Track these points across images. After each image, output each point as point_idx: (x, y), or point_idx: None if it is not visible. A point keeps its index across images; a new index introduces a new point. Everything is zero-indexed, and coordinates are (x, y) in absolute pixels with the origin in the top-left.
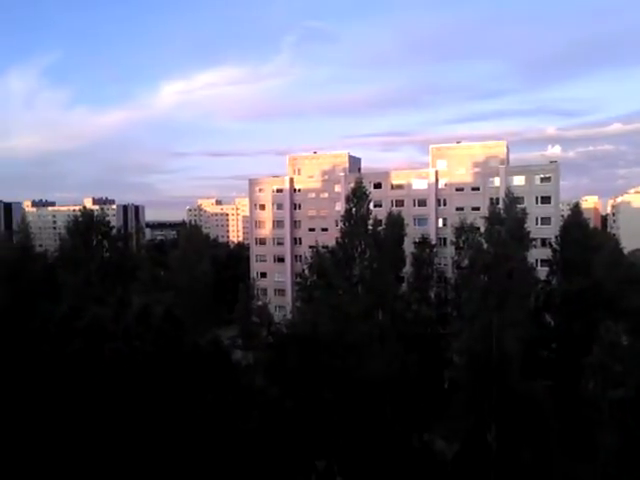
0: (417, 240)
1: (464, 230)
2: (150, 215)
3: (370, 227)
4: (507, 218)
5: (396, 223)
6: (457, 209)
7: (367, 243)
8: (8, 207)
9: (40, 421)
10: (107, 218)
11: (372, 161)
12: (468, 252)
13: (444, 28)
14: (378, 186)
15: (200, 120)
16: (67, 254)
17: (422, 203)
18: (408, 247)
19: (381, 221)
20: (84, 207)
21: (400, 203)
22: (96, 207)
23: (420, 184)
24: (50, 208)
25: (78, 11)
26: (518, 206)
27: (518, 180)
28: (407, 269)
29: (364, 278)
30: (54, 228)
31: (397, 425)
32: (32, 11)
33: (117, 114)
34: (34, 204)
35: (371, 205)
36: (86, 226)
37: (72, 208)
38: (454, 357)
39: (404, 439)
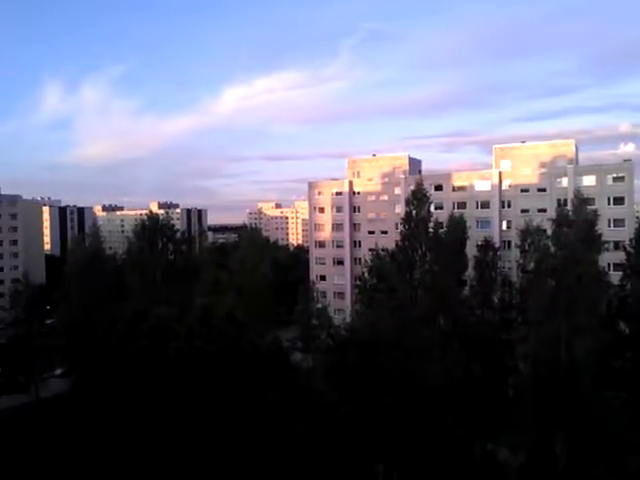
0: (480, 243)
1: (530, 233)
2: (212, 219)
3: (431, 230)
4: (576, 220)
5: (458, 226)
6: (522, 211)
7: (428, 246)
8: (81, 212)
9: (107, 413)
10: (172, 222)
11: (433, 163)
12: (534, 255)
13: (507, 25)
14: (439, 188)
15: (260, 124)
16: (134, 256)
17: (485, 205)
18: (470, 250)
19: (442, 224)
20: (150, 211)
21: (462, 205)
22: (161, 211)
23: (483, 185)
24: (119, 212)
25: (146, 22)
26: (588, 207)
27: (588, 180)
28: (469, 273)
29: (425, 282)
30: (122, 231)
31: (459, 433)
32: (104, 25)
33: (181, 121)
34: (104, 209)
35: (432, 207)
36: (152, 230)
37: (139, 212)
38: (519, 364)
39: (466, 447)
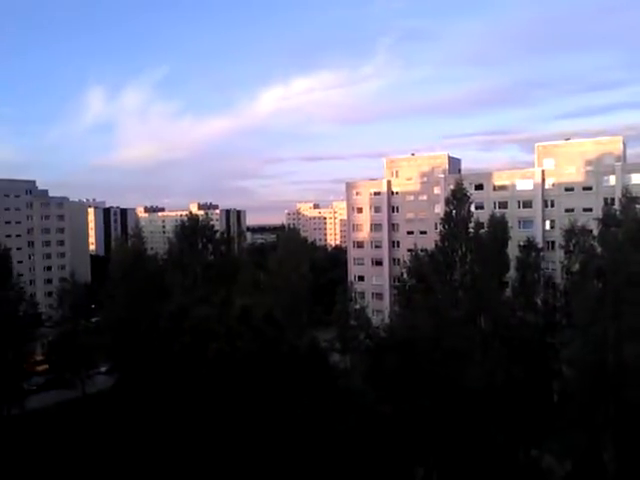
0: (522, 243)
1: (574, 233)
2: (251, 219)
3: (471, 230)
4: (624, 219)
5: (499, 226)
6: (566, 210)
7: (468, 246)
8: (124, 213)
9: (149, 410)
10: (211, 222)
11: (472, 161)
12: (579, 256)
13: (549, 19)
14: (479, 187)
15: (298, 125)
16: (175, 257)
17: (527, 204)
18: (512, 251)
19: (483, 224)
20: (190, 212)
21: (503, 205)
22: (201, 212)
23: (525, 184)
24: (160, 214)
25: (186, 26)
26: (637, 206)
27: (637, 178)
28: (511, 274)
29: (465, 283)
30: (163, 232)
31: (501, 437)
32: (145, 30)
33: (220, 122)
34: (146, 210)
35: (472, 207)
36: (192, 230)
37: (179, 213)
38: (564, 368)
39: (509, 452)
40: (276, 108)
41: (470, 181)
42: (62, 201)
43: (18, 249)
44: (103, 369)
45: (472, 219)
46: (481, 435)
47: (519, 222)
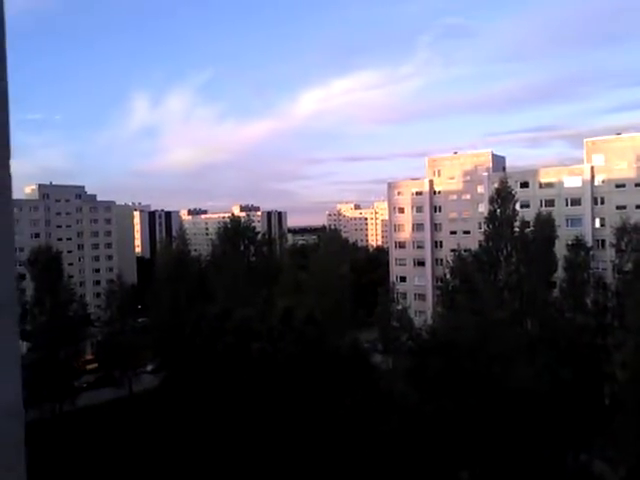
0: (570, 242)
1: (627, 231)
2: (292, 220)
3: (517, 229)
4: None
5: (546, 224)
6: (617, 208)
7: (513, 246)
8: (168, 216)
9: (194, 409)
10: (253, 224)
11: (517, 159)
12: (632, 255)
13: (591, 12)
14: (525, 185)
15: (338, 125)
16: (217, 258)
17: (576, 202)
18: (560, 250)
19: (529, 222)
20: (232, 215)
21: (550, 203)
22: (243, 214)
23: (573, 182)
24: (203, 216)
25: (225, 30)
26: None
27: None
28: (559, 274)
29: (510, 283)
30: (207, 234)
31: (549, 441)
32: (186, 35)
33: (261, 125)
34: (189, 213)
35: (517, 206)
36: (234, 232)
37: (222, 215)
38: (616, 371)
39: (557, 457)
40: (316, 109)
41: (515, 179)
42: (109, 205)
43: (69, 252)
44: (149, 368)
45: (517, 218)
46: (528, 438)
47: (567, 220)
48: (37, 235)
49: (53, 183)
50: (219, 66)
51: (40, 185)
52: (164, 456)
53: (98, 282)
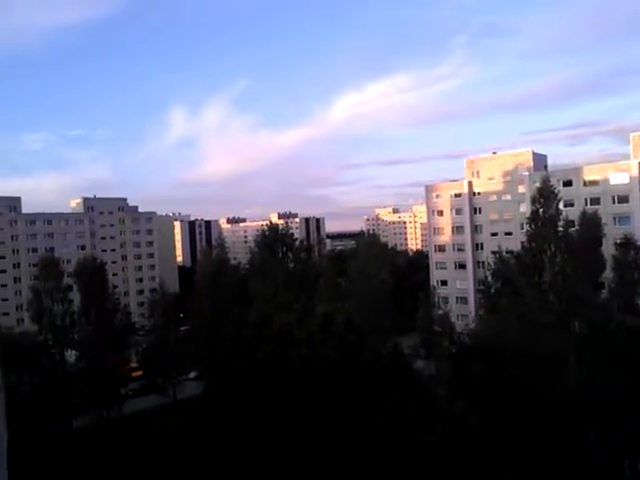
0: (619, 241)
1: None
2: (330, 226)
3: (560, 229)
4: None
5: (592, 223)
6: None
7: (558, 246)
8: (208, 225)
9: (235, 416)
10: (291, 231)
11: (559, 157)
12: None
13: (633, 3)
14: (568, 184)
15: (374, 130)
16: (256, 265)
17: (623, 199)
18: (608, 250)
19: (573, 222)
20: (270, 222)
21: (595, 201)
22: (281, 221)
23: (620, 178)
24: (242, 224)
25: (258, 40)
26: None
27: None
28: (607, 274)
29: (555, 285)
30: (245, 242)
31: (602, 450)
32: (221, 47)
33: (296, 132)
34: (228, 221)
35: (561, 205)
36: (272, 239)
37: (260, 223)
38: None
39: (612, 465)
40: (351, 115)
41: (557, 177)
42: (151, 216)
43: (113, 262)
44: (192, 375)
45: (561, 217)
46: (579, 446)
47: (614, 219)
48: (83, 247)
49: (97, 196)
50: (253, 76)
51: (85, 198)
52: (207, 462)
53: (141, 291)
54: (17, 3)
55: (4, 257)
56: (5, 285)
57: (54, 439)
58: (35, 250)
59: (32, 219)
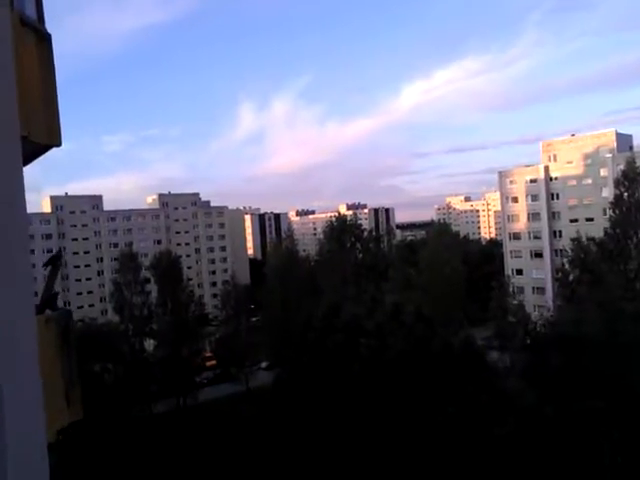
0: None
1: None
2: (400, 216)
3: None
4: None
5: None
6: None
7: None
8: (277, 218)
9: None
10: (359, 222)
11: None
12: None
13: None
14: None
15: (443, 117)
16: (325, 257)
17: None
18: None
19: None
20: (338, 213)
21: None
22: (350, 212)
23: None
24: (310, 216)
25: (323, 29)
26: None
27: None
28: None
29: None
30: (314, 234)
31: None
32: (286, 40)
33: (364, 122)
34: (297, 213)
35: None
36: (340, 230)
37: (329, 215)
38: None
39: None
40: (420, 102)
41: None
42: (222, 210)
43: (187, 256)
44: (264, 365)
45: None
46: None
47: None
48: (159, 242)
49: (171, 192)
50: (319, 67)
51: (160, 195)
52: (278, 448)
53: (214, 283)
54: (93, 6)
55: (88, 252)
56: (90, 279)
57: (136, 422)
58: (116, 245)
59: (113, 216)
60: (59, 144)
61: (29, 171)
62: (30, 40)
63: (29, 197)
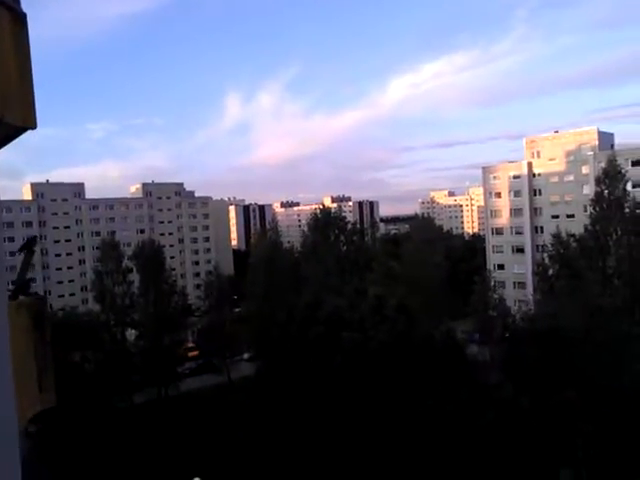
0: None
1: None
2: (384, 210)
3: (627, 210)
4: None
5: None
6: None
7: (624, 229)
8: (262, 209)
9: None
10: (344, 214)
11: (627, 136)
12: None
13: None
14: (637, 163)
15: (429, 111)
16: (309, 249)
17: None
18: None
19: None
20: (323, 205)
21: None
22: (334, 205)
23: None
24: (295, 208)
25: (311, 21)
26: None
27: None
28: None
29: (621, 269)
30: (299, 226)
31: None
32: (274, 31)
33: (350, 114)
34: (282, 205)
35: (629, 186)
36: (324, 223)
37: (314, 207)
38: None
39: None
40: (407, 96)
41: (625, 157)
42: (206, 200)
43: (170, 246)
44: (246, 356)
45: (629, 199)
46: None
47: None
48: (142, 231)
49: (155, 181)
50: (307, 59)
51: (144, 184)
52: (260, 440)
53: (197, 274)
54: None
55: (70, 240)
56: (71, 267)
57: (117, 412)
58: (98, 234)
59: (95, 204)
60: (34, 127)
61: (9, 157)
62: (4, 19)
63: (10, 184)
